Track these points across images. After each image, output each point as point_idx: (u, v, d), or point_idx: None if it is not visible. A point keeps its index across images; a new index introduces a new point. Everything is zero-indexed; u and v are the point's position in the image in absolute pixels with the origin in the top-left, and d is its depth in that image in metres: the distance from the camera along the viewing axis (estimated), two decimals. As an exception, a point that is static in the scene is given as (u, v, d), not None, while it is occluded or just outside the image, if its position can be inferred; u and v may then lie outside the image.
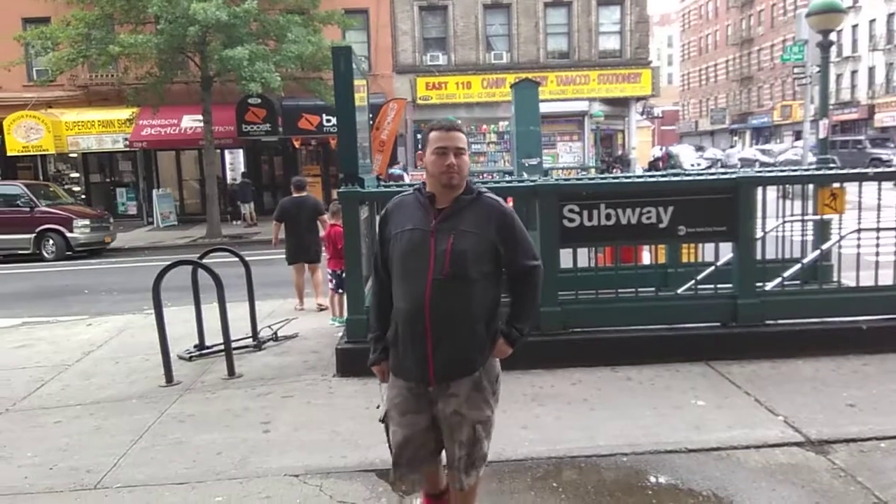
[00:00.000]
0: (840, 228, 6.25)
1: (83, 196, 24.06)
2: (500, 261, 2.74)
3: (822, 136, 8.30)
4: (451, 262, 2.63)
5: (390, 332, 2.84)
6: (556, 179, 8.02)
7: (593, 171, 20.38)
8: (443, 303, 2.65)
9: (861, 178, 6.04)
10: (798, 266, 6.35)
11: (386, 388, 2.97)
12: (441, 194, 2.71)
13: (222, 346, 6.11)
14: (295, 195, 8.93)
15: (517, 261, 2.77)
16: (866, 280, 6.03)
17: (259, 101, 20.82)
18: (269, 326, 7.22)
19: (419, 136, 25.19)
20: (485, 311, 2.75)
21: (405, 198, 2.83)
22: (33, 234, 16.71)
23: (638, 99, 27.65)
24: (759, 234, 5.85)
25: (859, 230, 6.17)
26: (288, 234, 8.87)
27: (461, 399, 2.75)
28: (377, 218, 2.83)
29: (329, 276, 8.07)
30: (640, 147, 30.25)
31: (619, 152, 27.31)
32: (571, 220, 5.61)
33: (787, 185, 7.09)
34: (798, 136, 38.87)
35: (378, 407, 3.02)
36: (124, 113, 21.31)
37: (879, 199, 5.89)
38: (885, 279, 5.86)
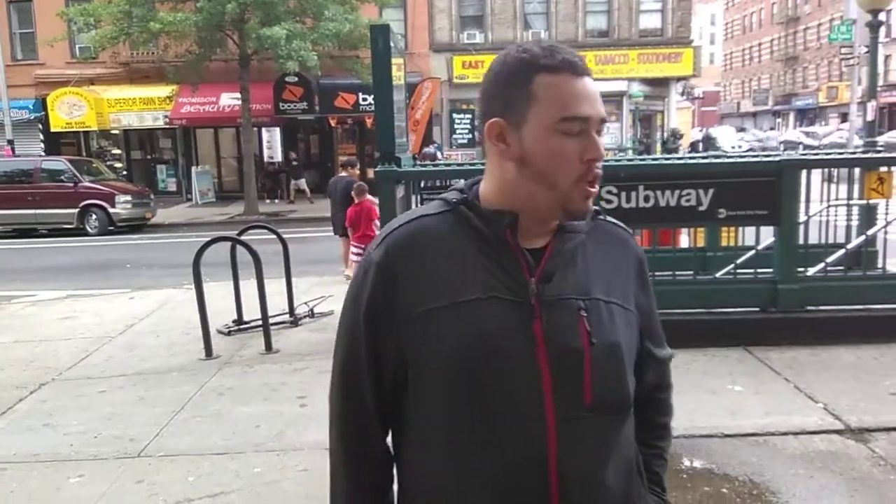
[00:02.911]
0: (886, 214, 6.11)
1: (125, 172, 24.47)
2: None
3: (869, 118, 8.10)
4: (596, 377, 1.17)
5: None
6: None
7: (630, 152, 20.11)
8: (585, 470, 1.18)
9: (910, 161, 5.88)
10: (842, 251, 6.22)
11: None
12: (534, 219, 1.20)
13: (260, 322, 6.22)
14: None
15: (654, 348, 1.36)
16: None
17: (296, 79, 20.93)
18: (306, 303, 7.31)
19: (455, 115, 25.02)
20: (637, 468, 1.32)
21: (428, 222, 1.23)
22: (77, 209, 17.05)
23: (678, 79, 27.11)
24: (801, 218, 5.74)
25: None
26: None
27: None
28: (376, 273, 1.24)
29: (353, 250, 8.62)
30: (680, 128, 29.71)
31: (672, 128, 26.56)
32: (609, 202, 5.55)
33: (832, 169, 6.92)
34: (844, 118, 37.84)
35: None
36: (164, 90, 21.58)
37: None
38: (933, 266, 5.72)
